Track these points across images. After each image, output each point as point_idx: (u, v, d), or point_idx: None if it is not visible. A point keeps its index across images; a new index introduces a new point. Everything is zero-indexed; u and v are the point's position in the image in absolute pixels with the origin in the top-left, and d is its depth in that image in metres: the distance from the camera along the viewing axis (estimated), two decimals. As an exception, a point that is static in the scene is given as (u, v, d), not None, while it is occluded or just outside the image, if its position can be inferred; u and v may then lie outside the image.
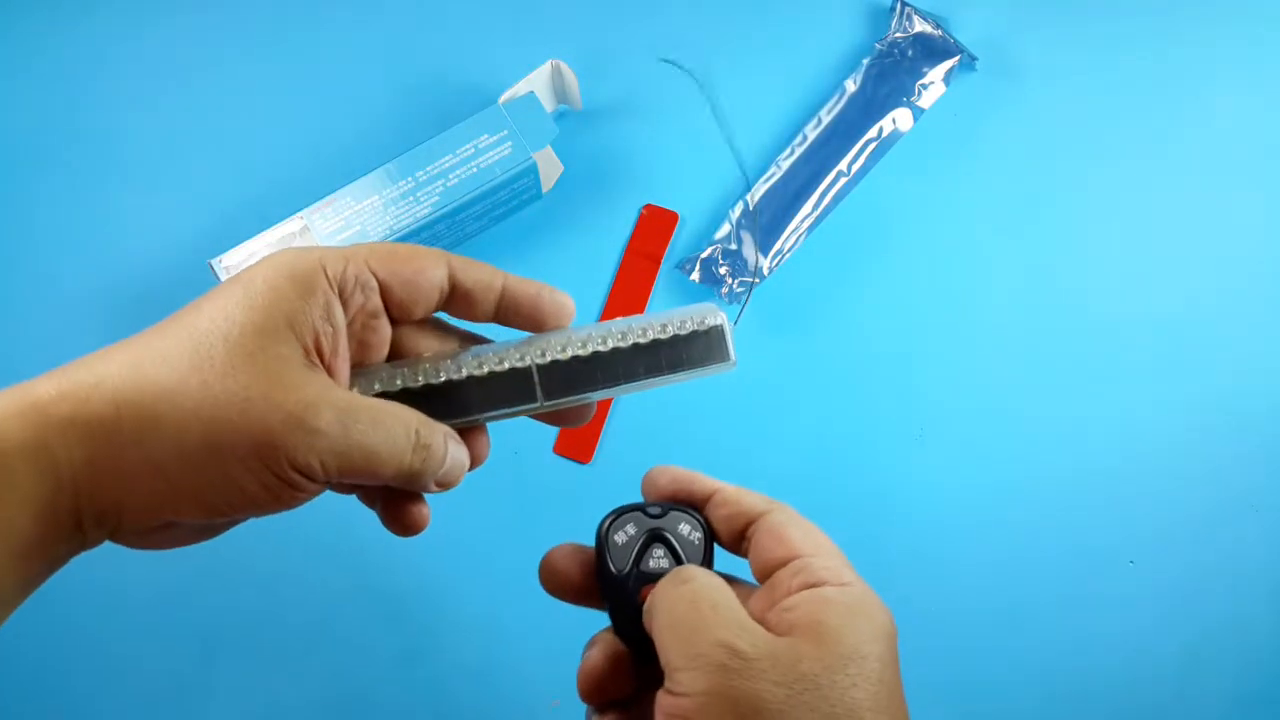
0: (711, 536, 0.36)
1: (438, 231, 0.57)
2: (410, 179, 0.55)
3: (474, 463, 0.38)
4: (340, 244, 0.54)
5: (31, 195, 0.60)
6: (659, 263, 0.60)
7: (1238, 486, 0.57)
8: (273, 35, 0.63)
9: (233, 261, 0.54)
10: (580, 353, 0.39)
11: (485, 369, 0.39)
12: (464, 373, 0.38)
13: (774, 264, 0.58)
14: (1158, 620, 0.55)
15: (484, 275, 0.39)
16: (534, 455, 0.57)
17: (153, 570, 0.48)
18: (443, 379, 0.38)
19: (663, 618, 0.32)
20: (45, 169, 0.60)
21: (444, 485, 0.37)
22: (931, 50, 0.61)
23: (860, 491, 0.56)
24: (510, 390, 0.39)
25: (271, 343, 0.32)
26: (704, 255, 0.59)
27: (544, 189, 0.60)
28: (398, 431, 0.34)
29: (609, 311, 0.59)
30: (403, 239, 0.55)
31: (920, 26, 0.62)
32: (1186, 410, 0.58)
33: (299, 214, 0.55)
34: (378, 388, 0.37)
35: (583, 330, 0.39)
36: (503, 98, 0.57)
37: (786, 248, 0.59)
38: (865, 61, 0.62)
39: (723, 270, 0.58)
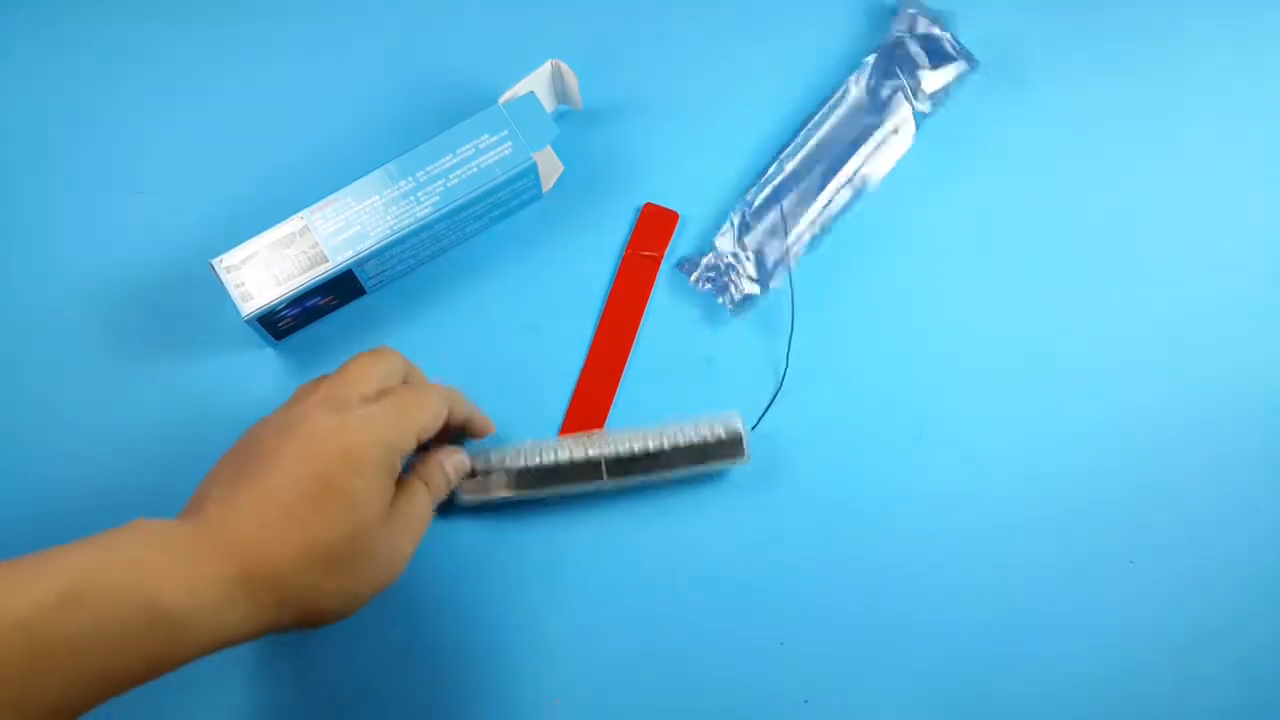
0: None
1: (438, 231, 0.57)
2: (410, 179, 0.55)
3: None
4: (341, 243, 0.54)
5: (31, 195, 0.60)
6: (659, 263, 0.60)
7: (1238, 486, 0.57)
8: (272, 35, 0.63)
9: (233, 261, 0.54)
10: (635, 449, 0.54)
11: (560, 457, 0.54)
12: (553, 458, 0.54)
13: (776, 278, 0.58)
14: (1157, 620, 0.55)
15: (461, 413, 0.52)
16: (534, 455, 0.57)
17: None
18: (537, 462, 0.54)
19: None
20: (45, 169, 0.60)
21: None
22: (934, 51, 0.61)
23: (860, 490, 0.56)
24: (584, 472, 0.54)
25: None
26: (705, 262, 0.59)
27: (544, 189, 0.60)
28: (425, 510, 0.50)
29: (609, 311, 0.59)
30: (403, 239, 0.55)
31: (923, 27, 0.62)
32: (1187, 410, 0.58)
33: (299, 214, 0.55)
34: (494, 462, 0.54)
35: (633, 431, 0.55)
36: (503, 98, 0.57)
37: (789, 256, 0.59)
38: (868, 62, 0.62)
39: (725, 280, 0.58)
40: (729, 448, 0.54)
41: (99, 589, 0.38)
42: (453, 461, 0.52)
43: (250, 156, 0.61)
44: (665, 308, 0.59)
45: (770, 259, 0.59)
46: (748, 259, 0.59)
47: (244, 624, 0.42)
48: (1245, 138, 0.62)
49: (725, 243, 0.59)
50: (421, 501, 0.49)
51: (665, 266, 0.60)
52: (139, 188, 0.60)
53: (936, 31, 0.62)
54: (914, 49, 0.61)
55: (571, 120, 0.61)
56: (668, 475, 0.54)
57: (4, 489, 0.56)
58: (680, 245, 0.60)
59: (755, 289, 0.58)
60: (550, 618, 0.55)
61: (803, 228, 0.59)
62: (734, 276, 0.58)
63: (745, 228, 0.59)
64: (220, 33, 0.63)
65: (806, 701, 0.54)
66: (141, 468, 0.56)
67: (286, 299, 0.54)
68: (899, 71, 0.61)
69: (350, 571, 0.44)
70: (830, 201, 0.59)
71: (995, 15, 0.63)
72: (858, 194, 0.60)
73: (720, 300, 0.58)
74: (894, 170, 0.61)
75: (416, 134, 0.57)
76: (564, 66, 0.58)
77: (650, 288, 0.59)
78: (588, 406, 0.57)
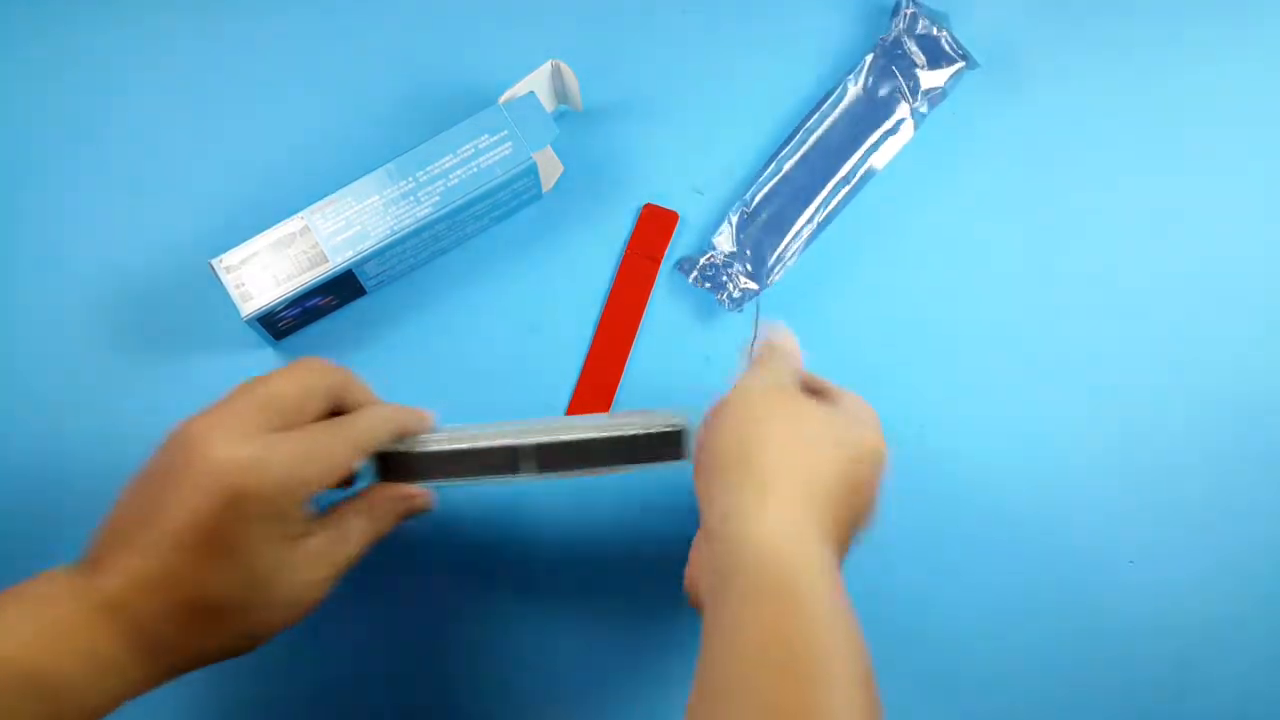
0: None
1: (438, 231, 0.57)
2: (410, 179, 0.55)
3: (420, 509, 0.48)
4: (341, 244, 0.55)
5: (31, 196, 0.60)
6: (659, 263, 0.60)
7: (1238, 486, 0.57)
8: (272, 35, 0.63)
9: (233, 261, 0.54)
10: (564, 438, 0.47)
11: (481, 443, 0.47)
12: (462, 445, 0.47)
13: (775, 273, 0.58)
14: (1157, 620, 0.55)
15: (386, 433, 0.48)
16: (534, 455, 0.57)
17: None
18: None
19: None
20: (45, 169, 0.60)
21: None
22: (934, 51, 0.61)
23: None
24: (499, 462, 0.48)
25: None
26: (704, 261, 0.59)
27: (544, 189, 0.60)
28: (358, 538, 0.46)
29: (609, 311, 0.59)
30: (403, 239, 0.55)
31: (922, 27, 0.62)
32: (1187, 409, 0.58)
33: (299, 214, 0.55)
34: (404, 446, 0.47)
35: (568, 421, 0.50)
36: (503, 98, 0.57)
37: (788, 254, 0.59)
38: (867, 61, 0.62)
39: (723, 277, 0.58)
40: (668, 444, 0.48)
41: None
42: (413, 504, 0.47)
43: (250, 156, 0.61)
44: (665, 308, 0.59)
45: (768, 257, 0.59)
46: (745, 256, 0.59)
47: (136, 682, 0.41)
48: (1244, 137, 0.62)
49: (723, 241, 0.59)
50: (351, 538, 0.45)
51: (665, 267, 0.60)
52: (139, 188, 0.60)
53: (934, 31, 0.62)
54: (912, 48, 0.61)
55: (571, 120, 0.61)
56: (600, 472, 0.48)
57: (4, 489, 0.56)
58: (680, 245, 0.60)
59: (753, 286, 0.58)
60: (549, 616, 0.55)
61: (800, 226, 0.59)
62: (731, 274, 0.58)
63: (743, 226, 0.59)
64: (220, 33, 0.63)
65: (806, 701, 0.54)
66: (141, 468, 0.56)
67: (286, 299, 0.54)
68: (897, 71, 0.61)
69: (244, 620, 0.42)
70: (828, 200, 0.59)
71: (993, 14, 0.63)
72: (855, 192, 0.60)
73: (719, 298, 0.58)
74: (892, 169, 0.61)
75: (416, 134, 0.57)
76: (564, 66, 0.58)
77: (650, 288, 0.59)
78: (587, 407, 0.57)
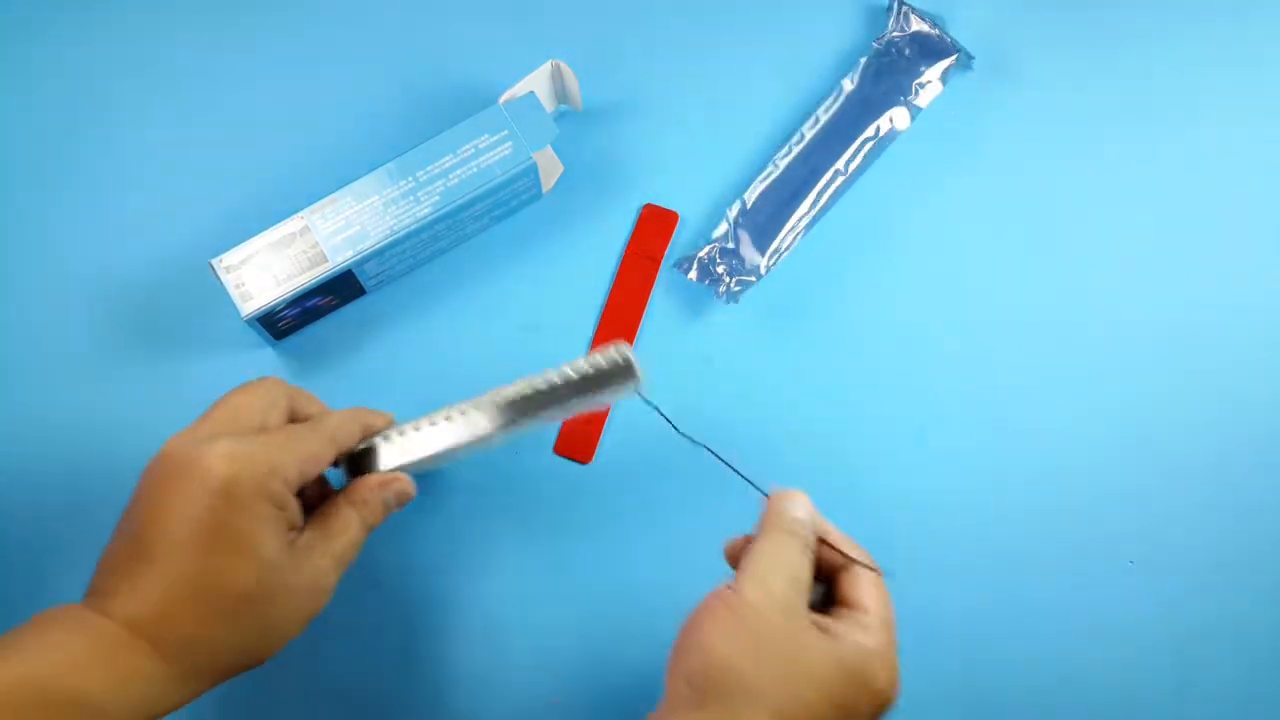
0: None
1: (438, 231, 0.57)
2: (410, 179, 0.55)
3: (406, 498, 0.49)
4: (341, 243, 0.55)
5: (31, 196, 0.60)
6: (659, 263, 0.60)
7: (1238, 486, 0.57)
8: (272, 35, 0.63)
9: (233, 261, 0.54)
10: (526, 391, 0.49)
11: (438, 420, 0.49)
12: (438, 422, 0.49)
13: (771, 263, 0.59)
14: (1157, 620, 0.55)
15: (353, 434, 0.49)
16: (534, 455, 0.57)
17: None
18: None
19: (761, 556, 0.43)
20: (44, 169, 0.60)
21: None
22: (929, 49, 0.62)
23: (859, 490, 0.56)
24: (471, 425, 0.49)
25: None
26: (701, 254, 0.59)
27: (544, 189, 0.60)
28: (349, 529, 0.46)
29: (609, 311, 0.59)
30: (403, 239, 0.55)
31: (917, 25, 0.62)
32: (1186, 409, 0.58)
33: (299, 214, 0.55)
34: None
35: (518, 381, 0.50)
36: (503, 98, 0.57)
37: (784, 246, 0.59)
38: (862, 60, 0.62)
39: (720, 269, 0.58)
40: (620, 375, 0.49)
41: (23, 693, 0.39)
42: (394, 489, 0.48)
43: (250, 156, 0.61)
44: (665, 308, 0.59)
45: (764, 250, 0.59)
46: (741, 251, 0.59)
47: (171, 695, 0.42)
48: (1242, 136, 0.62)
49: (721, 235, 0.59)
50: (344, 523, 0.46)
51: (664, 266, 0.60)
52: (139, 188, 0.60)
53: (930, 30, 0.62)
54: (908, 47, 0.61)
55: (571, 120, 0.61)
56: (562, 411, 0.49)
57: (3, 489, 0.56)
58: (680, 245, 0.60)
59: (750, 279, 0.58)
60: (550, 618, 0.55)
61: (796, 220, 0.59)
62: (728, 268, 0.58)
63: (740, 221, 0.59)
64: (220, 33, 0.63)
65: (806, 701, 0.54)
66: (141, 468, 0.56)
67: (286, 299, 0.54)
68: (893, 70, 0.61)
69: (266, 613, 0.43)
70: (824, 198, 0.59)
71: (988, 13, 0.63)
72: (850, 185, 0.60)
73: (719, 291, 0.58)
74: (888, 166, 0.61)
75: (416, 134, 0.57)
76: (564, 66, 0.58)
77: (650, 288, 0.59)
78: (588, 406, 0.57)
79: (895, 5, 0.63)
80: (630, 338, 0.58)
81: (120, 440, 0.57)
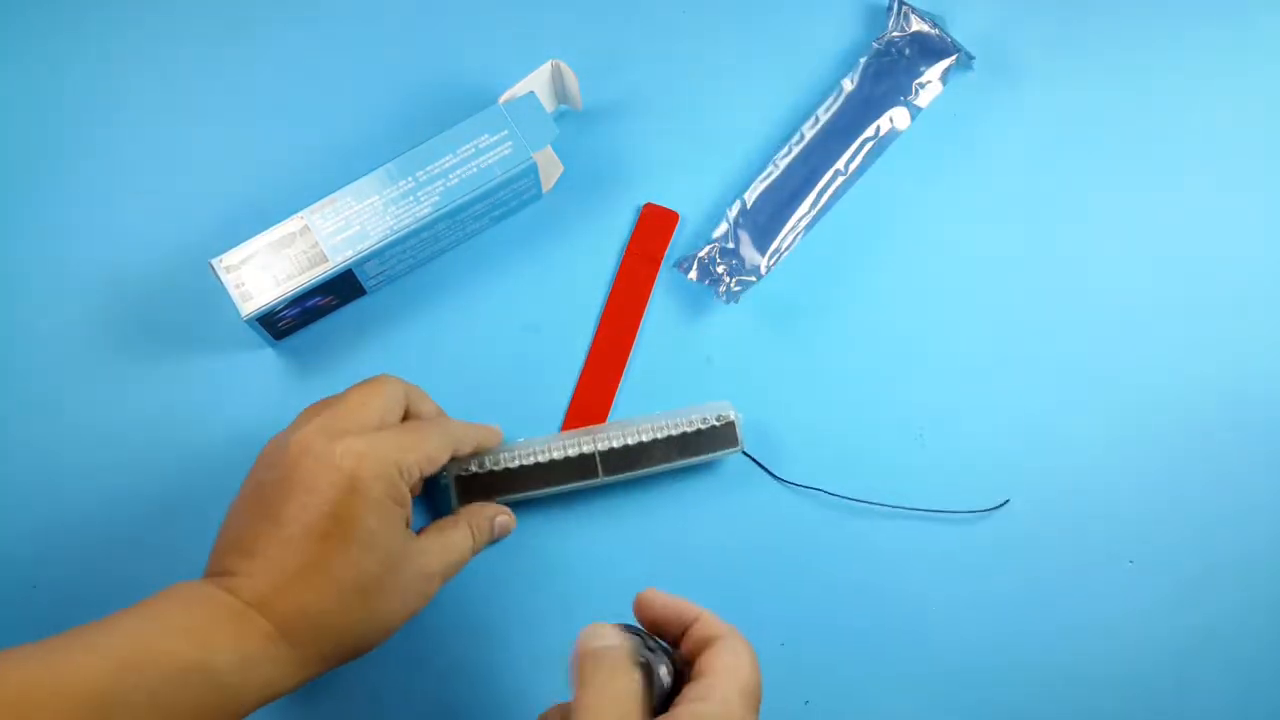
0: (680, 678, 0.41)
1: (438, 231, 0.57)
2: (410, 179, 0.55)
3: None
4: (341, 243, 0.54)
5: (31, 196, 0.60)
6: (659, 262, 0.60)
7: (1238, 486, 0.57)
8: (272, 35, 0.63)
9: (233, 261, 0.54)
10: (629, 442, 0.54)
11: (554, 455, 0.54)
12: (535, 459, 0.54)
13: (771, 263, 0.59)
14: (1157, 620, 0.55)
15: (469, 444, 0.53)
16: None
17: (157, 571, 0.49)
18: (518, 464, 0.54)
19: (586, 694, 0.39)
20: (44, 169, 0.60)
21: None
22: (929, 49, 0.62)
23: (858, 491, 0.56)
24: (576, 470, 0.54)
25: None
26: (701, 254, 0.59)
27: (544, 189, 0.60)
28: (462, 546, 0.51)
29: (609, 311, 0.59)
30: (403, 239, 0.55)
31: (917, 25, 0.62)
32: (1186, 409, 0.58)
33: (299, 214, 0.55)
34: (473, 468, 0.54)
35: (629, 424, 0.55)
36: (503, 98, 0.57)
37: (784, 246, 0.59)
38: (862, 60, 0.62)
39: (720, 269, 0.58)
40: (723, 437, 0.55)
41: (154, 657, 0.40)
42: (499, 521, 0.53)
43: (250, 156, 0.61)
44: (665, 307, 0.59)
45: (764, 250, 0.59)
46: (742, 251, 0.59)
47: (291, 676, 0.44)
48: (1242, 136, 0.62)
49: (721, 235, 0.59)
50: (459, 539, 0.50)
51: (664, 266, 0.60)
52: (139, 188, 0.60)
53: (930, 30, 0.62)
54: (908, 47, 0.62)
55: (571, 120, 0.61)
56: (664, 467, 0.55)
57: (3, 488, 0.56)
58: (680, 245, 0.60)
59: (750, 279, 0.58)
60: (549, 619, 0.55)
61: (796, 220, 0.59)
62: (728, 268, 0.58)
63: (740, 222, 0.59)
64: (220, 33, 0.63)
65: (807, 703, 0.54)
66: (141, 468, 0.56)
67: (286, 299, 0.54)
68: (893, 70, 0.61)
69: (383, 600, 0.46)
70: (824, 198, 0.59)
71: (989, 13, 0.63)
72: (850, 185, 0.60)
73: (719, 291, 0.58)
74: (889, 168, 0.61)
75: (416, 134, 0.57)
76: (564, 66, 0.58)
77: (650, 288, 0.59)
78: (588, 407, 0.57)
79: (895, 5, 0.63)
80: (630, 338, 0.58)
81: (120, 440, 0.57)
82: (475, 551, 0.51)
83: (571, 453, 0.54)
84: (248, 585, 0.43)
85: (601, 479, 0.54)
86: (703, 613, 0.42)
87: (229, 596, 0.43)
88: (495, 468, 0.54)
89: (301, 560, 0.44)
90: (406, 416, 0.51)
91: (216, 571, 0.45)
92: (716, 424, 0.55)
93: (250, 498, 0.47)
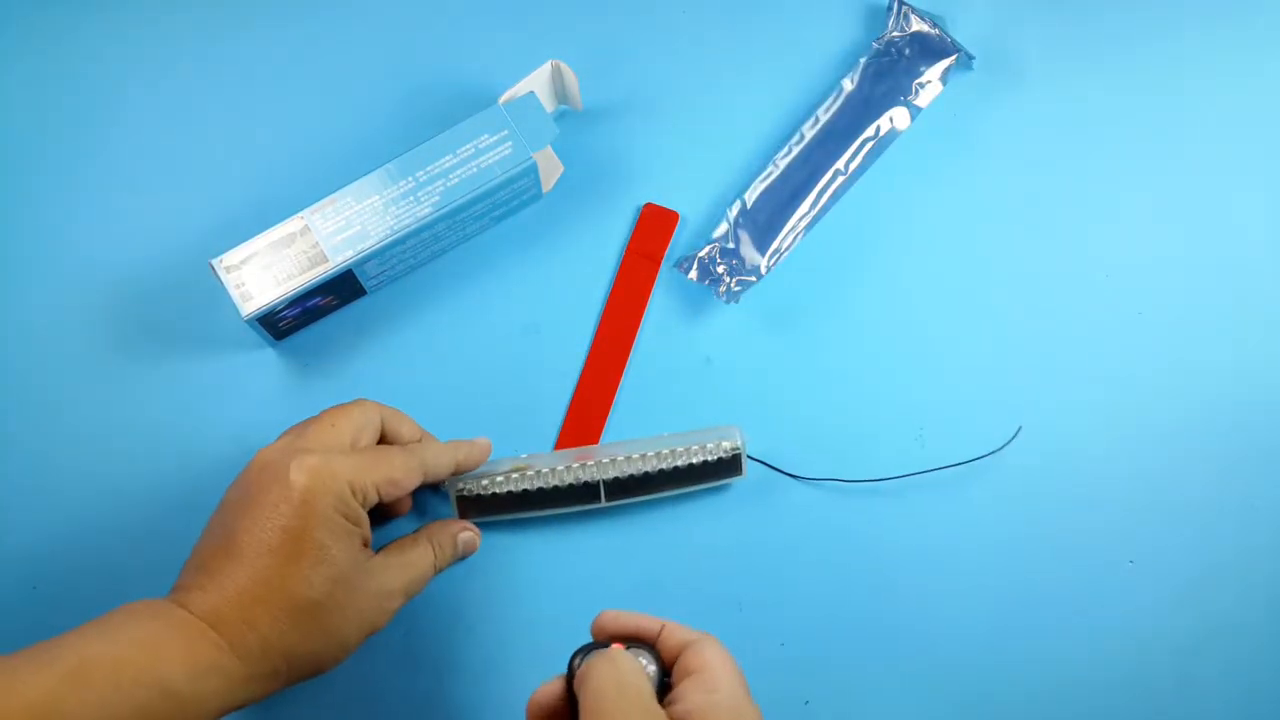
0: (664, 669, 0.42)
1: (438, 231, 0.57)
2: (410, 179, 0.55)
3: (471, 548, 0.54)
4: (341, 243, 0.54)
5: (31, 196, 0.60)
6: (659, 262, 0.60)
7: (1238, 486, 0.57)
8: (272, 35, 0.63)
9: (233, 261, 0.54)
10: (634, 472, 0.54)
11: (557, 483, 0.54)
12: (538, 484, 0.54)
13: (771, 263, 0.59)
14: (1157, 620, 0.55)
15: (444, 466, 0.52)
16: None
17: (157, 570, 0.49)
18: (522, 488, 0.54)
19: (589, 686, 0.39)
20: (44, 169, 0.60)
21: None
22: (929, 49, 0.62)
23: (860, 491, 0.56)
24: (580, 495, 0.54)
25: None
26: (701, 254, 0.59)
27: (544, 189, 0.60)
28: (422, 564, 0.50)
29: (609, 311, 0.59)
30: (403, 239, 0.55)
31: (917, 25, 0.62)
32: (1186, 409, 0.58)
33: (299, 214, 0.55)
34: (486, 487, 0.54)
35: (634, 447, 0.55)
36: (503, 98, 0.57)
37: (784, 246, 0.59)
38: (862, 60, 0.62)
39: (720, 269, 0.58)
40: (727, 467, 0.55)
41: (104, 669, 0.40)
42: (464, 537, 0.53)
43: (250, 156, 0.61)
44: (665, 308, 0.59)
45: (764, 250, 0.59)
46: (743, 251, 0.59)
47: (243, 689, 0.44)
48: (1242, 136, 0.62)
49: (721, 235, 0.59)
50: (419, 556, 0.50)
51: (664, 267, 0.60)
52: (139, 188, 0.60)
53: (930, 30, 0.62)
54: (908, 47, 0.61)
55: (571, 120, 0.61)
56: (667, 494, 0.55)
57: (3, 488, 0.56)
58: (680, 245, 0.60)
59: (750, 279, 0.58)
60: (550, 622, 0.55)
61: (797, 219, 0.59)
62: (728, 268, 0.58)
63: (740, 222, 0.59)
64: (220, 33, 0.63)
65: (807, 703, 0.54)
66: (142, 468, 0.56)
67: (286, 299, 0.54)
68: (893, 70, 0.61)
69: (336, 617, 0.46)
70: (825, 198, 0.59)
71: (989, 13, 0.63)
72: (850, 185, 0.60)
73: (719, 291, 0.58)
74: (889, 168, 0.61)
75: (416, 134, 0.57)
76: (564, 66, 0.58)
77: (650, 288, 0.59)
78: (588, 407, 0.57)
79: (895, 5, 0.63)
80: (630, 338, 0.58)
81: (121, 440, 0.57)
82: (439, 569, 0.51)
83: (575, 480, 0.54)
84: (199, 599, 0.44)
85: (604, 504, 0.54)
86: (666, 623, 0.43)
87: (181, 610, 0.43)
88: (499, 490, 0.54)
89: (251, 574, 0.44)
90: (384, 440, 0.51)
91: (180, 586, 0.45)
92: (724, 456, 0.54)
93: (215, 515, 0.47)
